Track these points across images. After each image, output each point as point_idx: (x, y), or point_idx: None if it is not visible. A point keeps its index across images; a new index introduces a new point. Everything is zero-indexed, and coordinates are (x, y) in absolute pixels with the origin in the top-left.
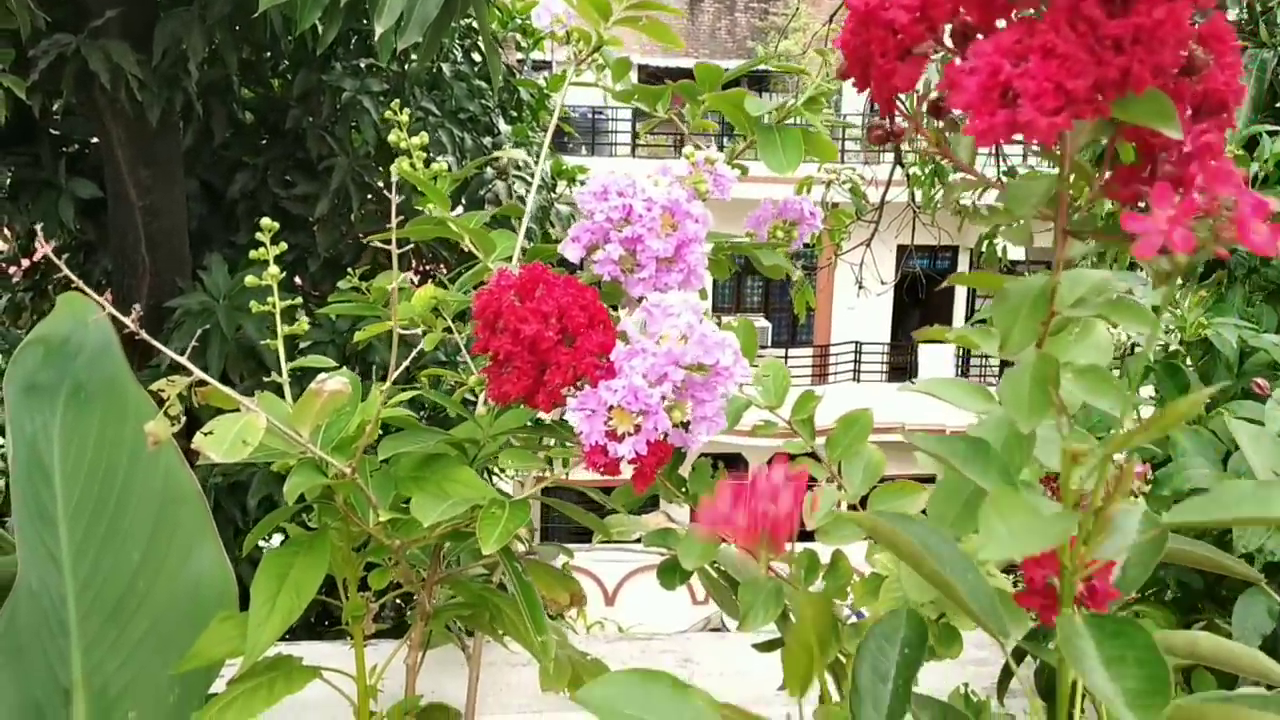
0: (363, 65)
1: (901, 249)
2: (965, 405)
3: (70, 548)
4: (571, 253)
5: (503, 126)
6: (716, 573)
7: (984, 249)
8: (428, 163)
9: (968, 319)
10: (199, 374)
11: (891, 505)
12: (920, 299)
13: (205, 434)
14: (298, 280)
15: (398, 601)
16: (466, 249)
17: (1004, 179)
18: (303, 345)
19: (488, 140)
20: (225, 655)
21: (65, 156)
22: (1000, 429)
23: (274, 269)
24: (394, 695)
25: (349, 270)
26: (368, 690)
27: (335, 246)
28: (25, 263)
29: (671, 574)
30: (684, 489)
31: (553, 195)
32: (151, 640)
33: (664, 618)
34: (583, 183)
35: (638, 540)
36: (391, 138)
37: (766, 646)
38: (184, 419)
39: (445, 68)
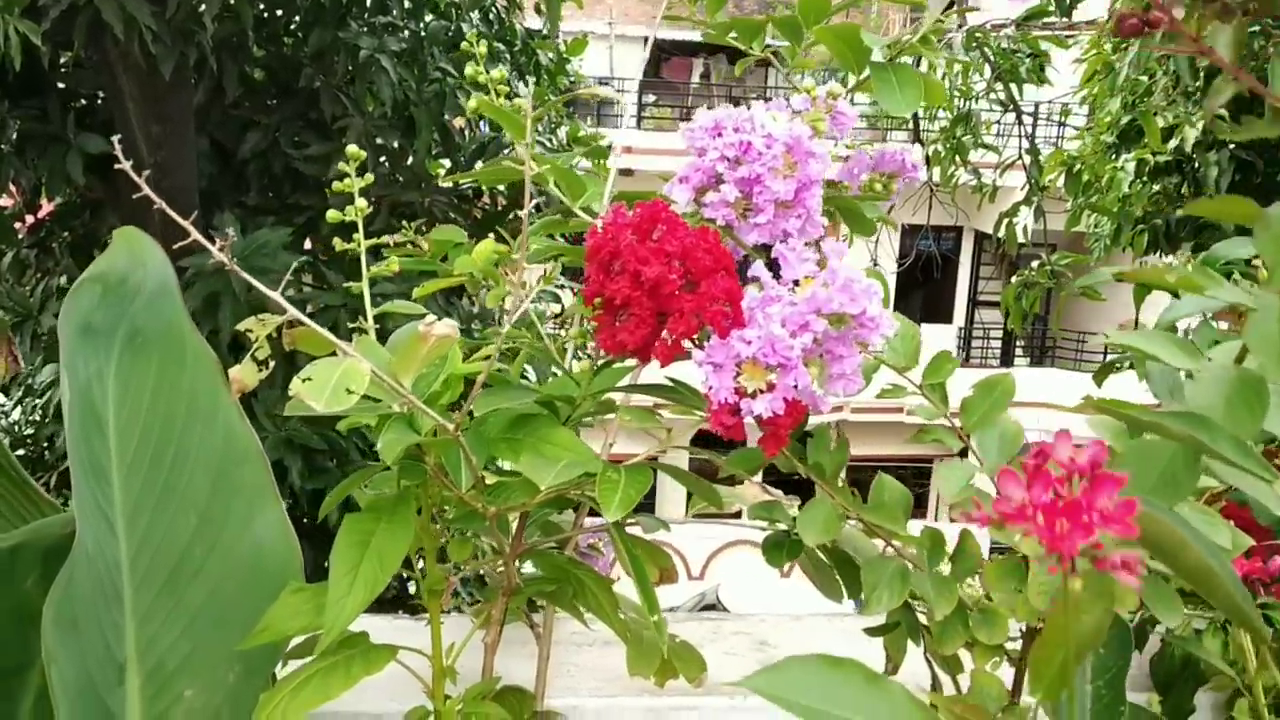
0: (380, 23)
1: (907, 229)
2: (1169, 359)
3: (124, 507)
4: (680, 195)
5: (521, 89)
6: (821, 549)
7: (1004, 228)
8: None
9: (970, 300)
10: (293, 313)
11: None
12: (933, 277)
13: (304, 380)
14: (308, 244)
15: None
16: (477, 214)
17: (1028, 154)
18: (310, 311)
19: (506, 103)
20: (298, 630)
21: (73, 111)
22: (1219, 384)
23: (361, 202)
24: (464, 677)
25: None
26: (444, 671)
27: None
28: (30, 219)
29: (779, 550)
30: (803, 458)
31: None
32: (209, 612)
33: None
34: (604, 149)
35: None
36: (469, 70)
37: (879, 631)
38: (272, 364)
39: (465, 28)
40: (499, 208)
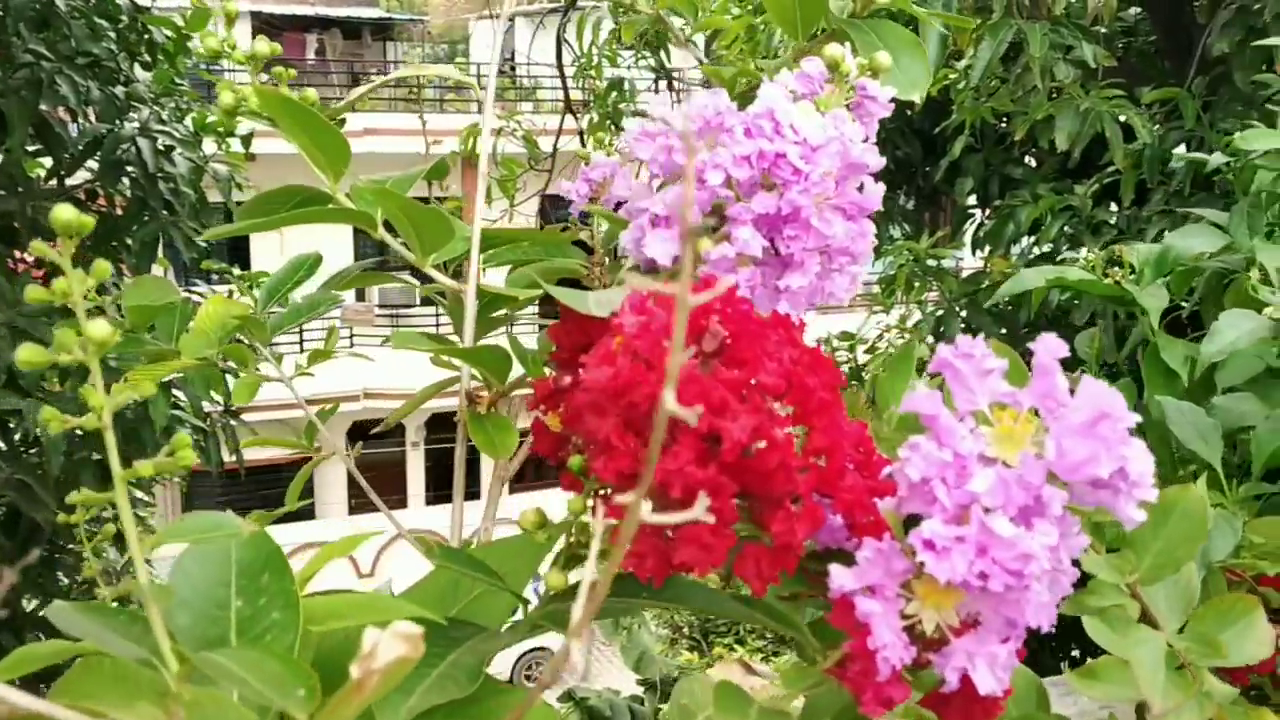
0: None
1: (548, 199)
2: None
3: None
4: (659, 249)
5: (139, 73)
6: None
7: None
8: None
9: None
10: None
11: (1239, 643)
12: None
13: None
14: None
15: None
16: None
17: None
18: None
19: (120, 90)
20: None
21: None
22: None
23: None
24: None
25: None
26: None
27: None
28: None
29: None
30: None
31: (203, 154)
32: None
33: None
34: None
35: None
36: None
37: None
38: None
39: (60, 2)
40: (118, 209)
